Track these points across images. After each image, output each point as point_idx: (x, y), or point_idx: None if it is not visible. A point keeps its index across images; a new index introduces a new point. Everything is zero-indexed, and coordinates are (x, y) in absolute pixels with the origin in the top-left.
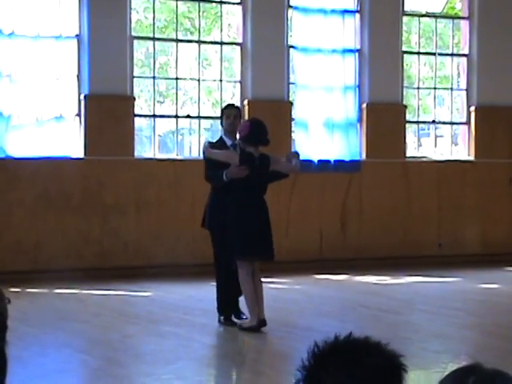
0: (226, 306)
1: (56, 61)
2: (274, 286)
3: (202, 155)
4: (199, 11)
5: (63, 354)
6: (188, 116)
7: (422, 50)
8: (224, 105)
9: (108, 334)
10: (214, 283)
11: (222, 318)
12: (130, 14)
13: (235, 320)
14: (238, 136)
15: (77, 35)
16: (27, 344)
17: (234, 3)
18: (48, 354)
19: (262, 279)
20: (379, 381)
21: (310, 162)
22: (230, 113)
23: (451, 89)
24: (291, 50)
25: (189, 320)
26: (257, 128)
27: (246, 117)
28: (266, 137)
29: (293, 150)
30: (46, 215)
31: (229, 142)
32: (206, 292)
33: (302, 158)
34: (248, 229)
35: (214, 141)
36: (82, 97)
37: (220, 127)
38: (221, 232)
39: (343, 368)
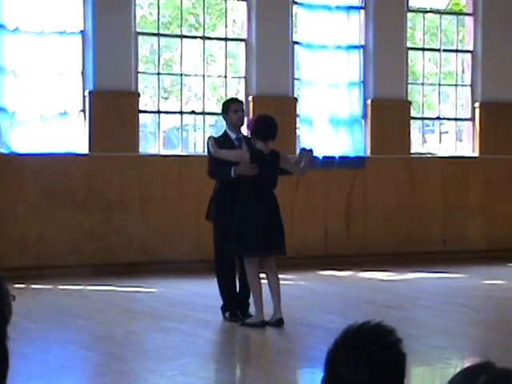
0: (231, 301)
1: (60, 57)
2: None
3: (206, 151)
4: (204, 7)
5: (67, 350)
6: (193, 112)
7: (426, 46)
8: (226, 99)
9: (112, 331)
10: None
11: (227, 314)
12: (135, 9)
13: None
14: (246, 130)
15: (81, 31)
16: (31, 340)
17: None
18: (52, 350)
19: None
20: (392, 372)
21: (315, 158)
22: (237, 107)
23: (456, 85)
24: (296, 46)
25: (193, 316)
26: (264, 122)
27: (251, 113)
28: (273, 131)
29: (306, 147)
30: (50, 211)
31: (233, 136)
32: (211, 288)
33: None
34: (257, 225)
35: (218, 135)
36: (86, 93)
37: (224, 122)
38: (226, 224)
39: (360, 364)
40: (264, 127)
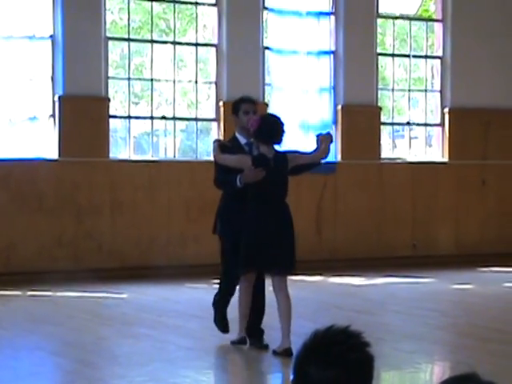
0: (225, 321)
1: (30, 61)
2: None
3: (212, 156)
4: (174, 12)
5: (36, 356)
6: (163, 117)
7: (396, 52)
8: (238, 98)
9: (82, 337)
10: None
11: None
12: (105, 14)
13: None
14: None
15: (51, 36)
16: None
17: (209, 4)
18: (21, 356)
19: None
20: (360, 373)
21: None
22: (248, 108)
23: (425, 90)
24: (266, 51)
25: (163, 322)
26: (267, 123)
27: (221, 119)
28: (278, 134)
29: (324, 132)
30: (19, 217)
31: (243, 141)
32: (181, 294)
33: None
34: (254, 239)
35: (227, 140)
36: (56, 98)
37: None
38: (234, 241)
39: (329, 363)
40: (268, 130)
